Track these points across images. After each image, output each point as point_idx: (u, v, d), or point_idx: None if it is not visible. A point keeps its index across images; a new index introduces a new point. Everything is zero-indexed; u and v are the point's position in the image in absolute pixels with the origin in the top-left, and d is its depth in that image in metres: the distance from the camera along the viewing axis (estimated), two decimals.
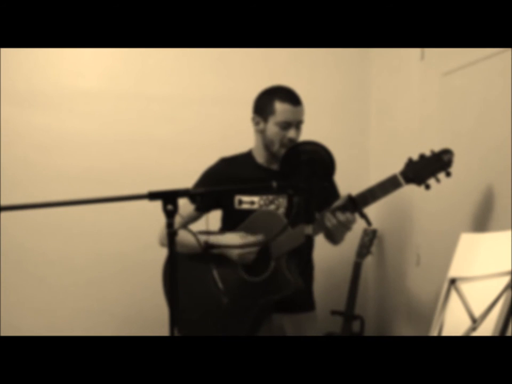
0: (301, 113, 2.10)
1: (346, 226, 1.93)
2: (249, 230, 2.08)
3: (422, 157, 1.87)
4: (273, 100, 2.08)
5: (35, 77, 2.70)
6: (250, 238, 2.05)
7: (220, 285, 2.10)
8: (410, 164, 1.89)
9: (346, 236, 2.36)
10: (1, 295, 2.65)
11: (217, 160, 2.25)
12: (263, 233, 2.03)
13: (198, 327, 2.14)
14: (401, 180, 1.88)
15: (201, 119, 2.84)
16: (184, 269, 2.15)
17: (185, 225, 2.11)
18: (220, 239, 2.09)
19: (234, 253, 2.04)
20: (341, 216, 1.91)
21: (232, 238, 2.06)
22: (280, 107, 2.06)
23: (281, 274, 2.00)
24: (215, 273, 2.11)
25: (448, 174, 1.85)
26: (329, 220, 1.93)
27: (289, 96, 2.08)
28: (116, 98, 2.77)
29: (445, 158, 1.84)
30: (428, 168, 1.86)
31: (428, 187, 1.88)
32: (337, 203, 1.94)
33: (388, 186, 1.89)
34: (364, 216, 1.92)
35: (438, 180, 1.87)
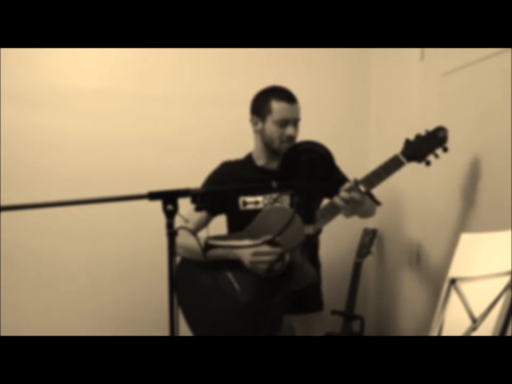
0: (297, 110, 2.14)
1: (356, 202, 1.97)
2: (259, 229, 2.08)
3: (418, 136, 1.99)
4: (269, 99, 2.12)
5: (35, 77, 2.69)
6: (267, 250, 2.02)
7: (236, 286, 2.10)
8: (408, 143, 1.99)
9: (346, 236, 2.37)
10: (1, 296, 2.65)
11: (219, 164, 2.26)
12: (274, 229, 2.01)
13: (216, 330, 2.12)
14: (402, 158, 1.97)
15: (202, 119, 2.84)
16: (199, 274, 2.16)
17: (194, 232, 2.13)
18: (229, 250, 2.08)
19: (246, 255, 2.02)
20: (344, 194, 1.96)
21: (244, 249, 2.04)
22: (276, 106, 2.10)
23: (297, 266, 2.01)
24: (230, 275, 2.11)
25: (445, 150, 1.96)
26: (338, 201, 1.97)
27: (284, 94, 2.12)
28: (116, 98, 2.77)
29: (440, 134, 1.96)
30: (425, 145, 1.97)
31: (428, 163, 1.97)
32: (344, 187, 1.98)
33: (391, 166, 1.97)
34: (371, 197, 1.99)
35: (436, 156, 1.98)
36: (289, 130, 2.10)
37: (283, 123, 2.10)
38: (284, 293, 2.03)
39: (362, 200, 1.99)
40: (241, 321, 2.07)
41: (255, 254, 2.00)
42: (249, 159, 2.26)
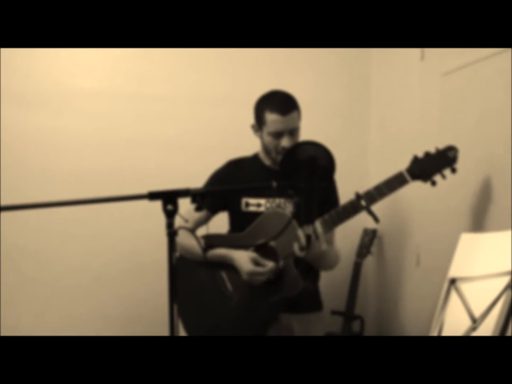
0: (291, 121, 2.07)
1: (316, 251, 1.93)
2: (257, 232, 2.08)
3: (427, 154, 1.91)
4: (264, 110, 2.09)
5: (35, 77, 2.69)
6: (264, 263, 2.01)
7: (229, 286, 2.10)
8: (415, 161, 1.92)
9: (346, 236, 2.36)
10: (1, 296, 2.65)
11: (225, 162, 2.26)
12: (271, 234, 2.01)
13: (207, 328, 2.13)
14: (407, 176, 1.91)
15: (202, 119, 2.84)
16: (194, 273, 2.16)
17: (192, 230, 2.15)
18: (230, 253, 2.08)
19: (244, 271, 2.01)
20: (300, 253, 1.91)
21: (243, 257, 2.03)
22: (269, 118, 2.06)
23: (289, 273, 2.00)
24: (224, 275, 2.11)
25: (453, 170, 1.88)
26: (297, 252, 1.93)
27: (278, 105, 2.06)
28: (116, 98, 2.77)
29: (450, 154, 1.87)
30: (433, 164, 1.89)
31: (434, 183, 1.91)
32: (345, 203, 1.95)
33: (394, 183, 1.92)
34: (371, 213, 1.93)
35: (443, 176, 1.90)
36: (283, 142, 2.06)
37: (277, 135, 2.06)
38: (273, 299, 2.03)
39: (322, 253, 1.94)
40: (230, 321, 2.08)
41: (252, 274, 1.99)
42: (256, 157, 2.25)
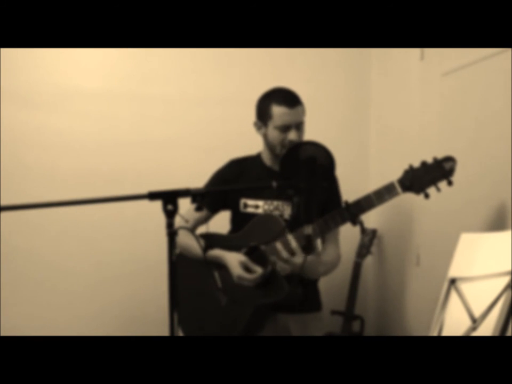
0: (299, 114, 2.07)
1: (288, 263, 1.94)
2: (249, 234, 2.09)
3: (424, 164, 1.83)
4: (270, 104, 2.07)
5: (35, 77, 2.69)
6: (253, 269, 2.01)
7: (219, 284, 2.10)
8: (410, 171, 1.84)
9: (346, 236, 2.36)
10: (1, 296, 2.64)
11: (227, 161, 2.26)
12: (262, 236, 2.02)
13: (196, 324, 2.14)
14: (398, 188, 1.84)
15: (202, 119, 2.84)
16: (189, 270, 2.16)
17: (193, 228, 2.16)
18: (222, 254, 2.08)
19: (234, 273, 2.02)
20: (284, 253, 1.94)
21: (234, 260, 2.03)
22: (277, 111, 2.05)
23: (276, 279, 1.99)
24: (216, 274, 2.12)
25: (450, 183, 1.79)
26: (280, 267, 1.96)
27: (285, 98, 2.06)
28: (117, 98, 2.77)
29: (447, 166, 1.78)
30: (427, 176, 1.80)
31: (427, 196, 1.83)
32: (333, 212, 1.94)
33: (385, 194, 1.86)
34: (359, 224, 1.89)
35: (438, 189, 1.82)
36: (291, 135, 2.04)
37: (284, 128, 2.05)
38: (258, 303, 2.03)
39: (302, 266, 1.87)
40: (218, 320, 2.09)
41: (240, 278, 2.00)
42: (258, 157, 2.25)
